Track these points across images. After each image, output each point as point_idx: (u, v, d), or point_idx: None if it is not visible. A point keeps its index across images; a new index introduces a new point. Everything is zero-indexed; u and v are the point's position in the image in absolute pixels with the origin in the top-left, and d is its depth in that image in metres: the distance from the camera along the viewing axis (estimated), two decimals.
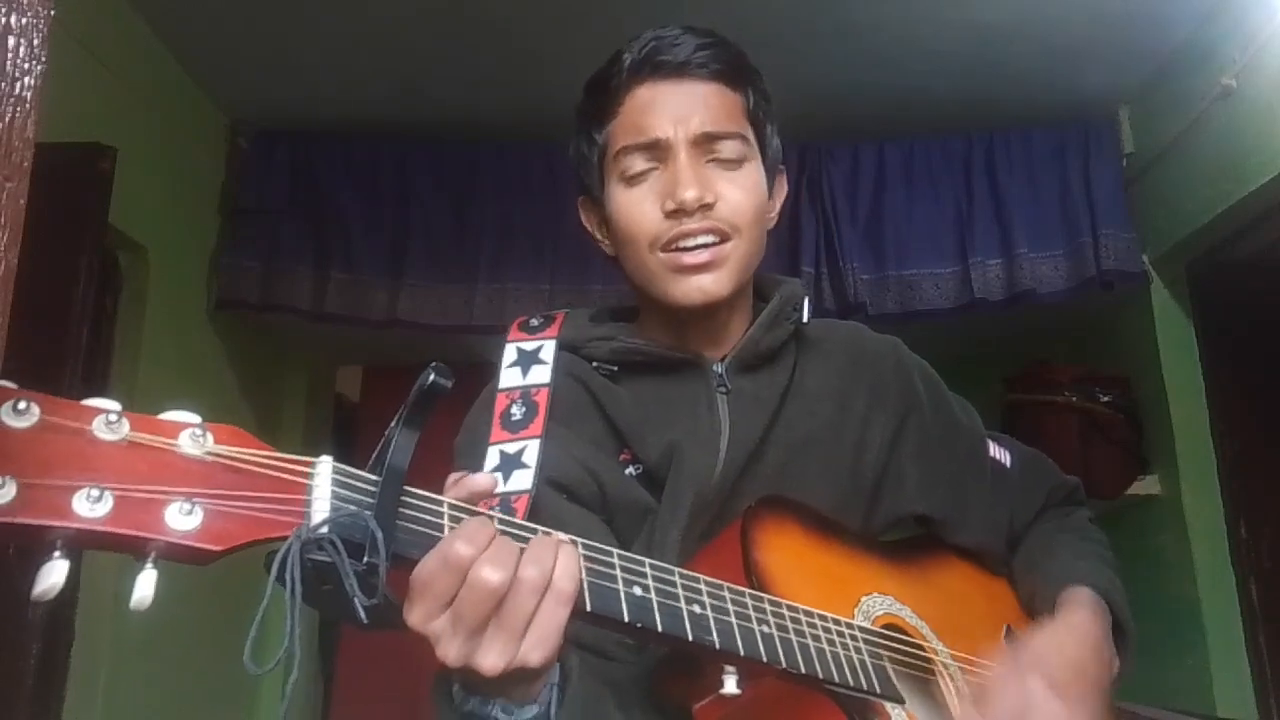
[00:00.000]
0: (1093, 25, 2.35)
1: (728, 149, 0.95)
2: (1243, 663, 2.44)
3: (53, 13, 0.48)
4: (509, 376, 0.97)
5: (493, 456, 0.90)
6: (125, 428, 0.55)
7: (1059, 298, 2.66)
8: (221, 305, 2.65)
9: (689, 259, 0.93)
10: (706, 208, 0.93)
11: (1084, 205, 2.67)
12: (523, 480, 0.87)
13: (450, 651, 0.63)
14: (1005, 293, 2.66)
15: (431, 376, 0.63)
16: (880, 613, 0.90)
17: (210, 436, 0.58)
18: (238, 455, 0.59)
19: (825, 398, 1.00)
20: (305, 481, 0.60)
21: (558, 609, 0.65)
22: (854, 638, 0.82)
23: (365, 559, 0.59)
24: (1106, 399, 2.74)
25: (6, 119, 0.44)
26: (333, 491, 0.61)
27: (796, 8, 2.22)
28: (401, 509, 0.63)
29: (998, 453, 1.11)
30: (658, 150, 0.94)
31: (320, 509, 0.60)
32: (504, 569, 0.64)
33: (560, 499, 0.89)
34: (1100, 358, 2.89)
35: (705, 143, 0.94)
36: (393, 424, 0.64)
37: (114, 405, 0.56)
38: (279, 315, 2.68)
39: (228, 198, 2.73)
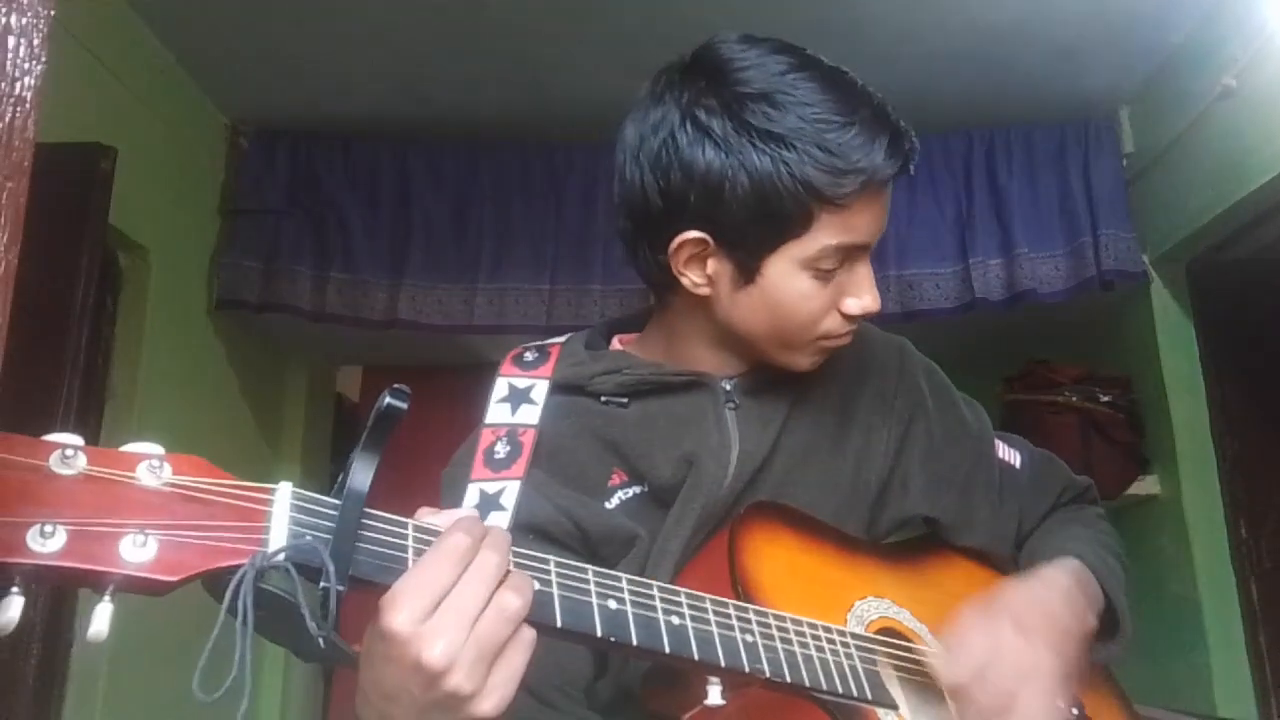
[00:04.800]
0: (1093, 25, 2.35)
1: None
2: (1243, 663, 2.44)
3: (53, 13, 0.47)
4: (497, 412, 0.95)
5: (472, 494, 0.89)
6: (81, 462, 0.55)
7: (1059, 297, 2.66)
8: (221, 305, 2.65)
9: (837, 343, 0.94)
10: None
11: (1084, 205, 2.68)
12: (498, 522, 0.86)
13: (436, 650, 0.60)
14: (1005, 292, 2.66)
15: (387, 399, 0.62)
16: (875, 617, 0.89)
17: (169, 467, 0.58)
18: (195, 485, 0.58)
19: (828, 407, 1.00)
20: (264, 509, 0.60)
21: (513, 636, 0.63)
22: (845, 644, 0.81)
23: (320, 584, 0.59)
24: (1106, 399, 2.74)
25: (6, 119, 0.44)
26: (291, 518, 0.60)
27: (797, 6, 2.22)
28: (364, 532, 0.62)
29: (1007, 454, 1.10)
30: (852, 251, 0.90)
31: (278, 536, 0.59)
32: (505, 553, 0.64)
33: (528, 540, 0.87)
34: (1100, 358, 2.89)
35: None
36: (356, 448, 0.63)
37: (73, 440, 0.55)
38: (279, 315, 2.68)
39: (228, 198, 2.73)
